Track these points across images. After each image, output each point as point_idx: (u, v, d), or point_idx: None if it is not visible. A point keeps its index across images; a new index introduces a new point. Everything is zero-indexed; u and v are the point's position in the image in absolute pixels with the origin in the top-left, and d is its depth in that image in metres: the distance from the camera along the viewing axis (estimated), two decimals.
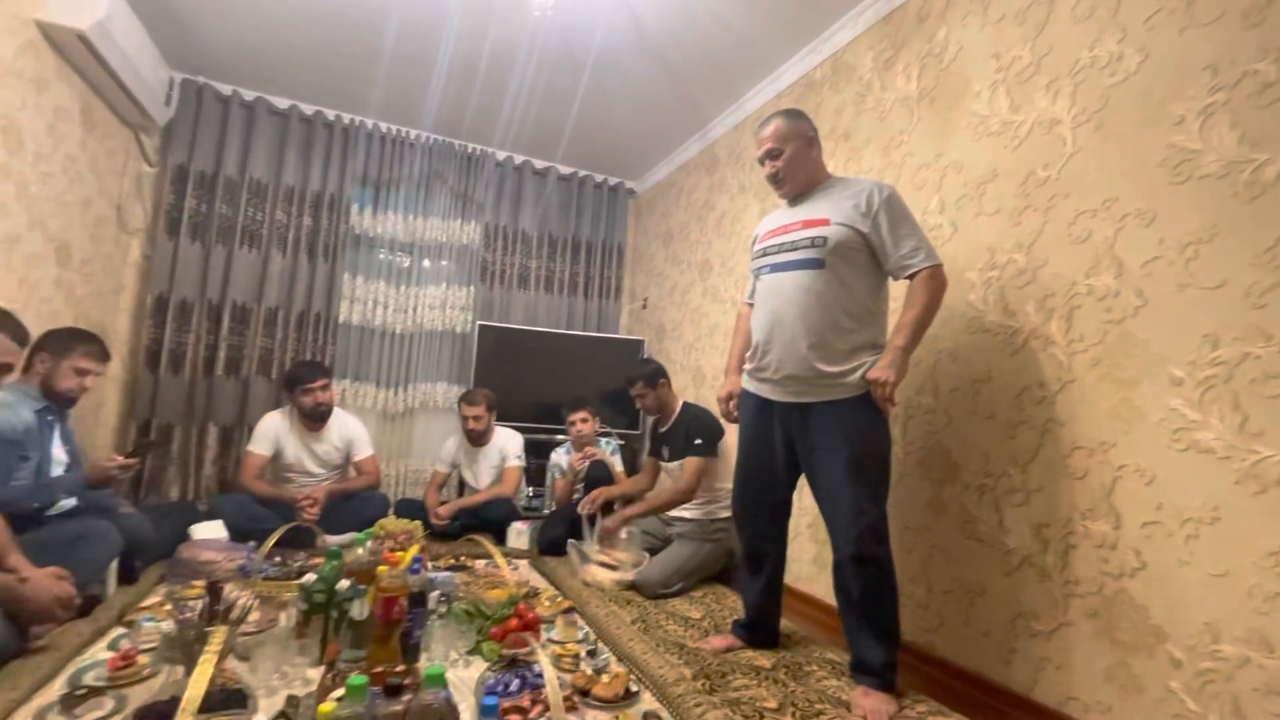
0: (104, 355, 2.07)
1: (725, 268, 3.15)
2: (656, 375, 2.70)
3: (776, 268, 1.73)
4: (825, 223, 1.65)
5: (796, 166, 1.73)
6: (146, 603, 1.87)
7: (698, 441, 2.50)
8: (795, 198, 1.78)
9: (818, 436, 1.66)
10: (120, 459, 2.13)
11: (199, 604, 1.51)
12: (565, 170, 4.02)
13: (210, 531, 2.31)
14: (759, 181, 2.90)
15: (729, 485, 2.28)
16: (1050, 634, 1.53)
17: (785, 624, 1.97)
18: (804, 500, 2.14)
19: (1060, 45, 1.67)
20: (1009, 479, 1.67)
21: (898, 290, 1.78)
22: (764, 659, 1.79)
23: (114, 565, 1.91)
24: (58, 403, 1.97)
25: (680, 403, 2.72)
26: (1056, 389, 1.58)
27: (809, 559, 2.32)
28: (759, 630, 1.87)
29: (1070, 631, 1.49)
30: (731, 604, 2.27)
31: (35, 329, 2.17)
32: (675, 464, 2.63)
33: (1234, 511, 1.23)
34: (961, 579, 1.76)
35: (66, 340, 1.98)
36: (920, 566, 1.88)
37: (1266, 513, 1.18)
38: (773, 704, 1.52)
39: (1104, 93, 1.55)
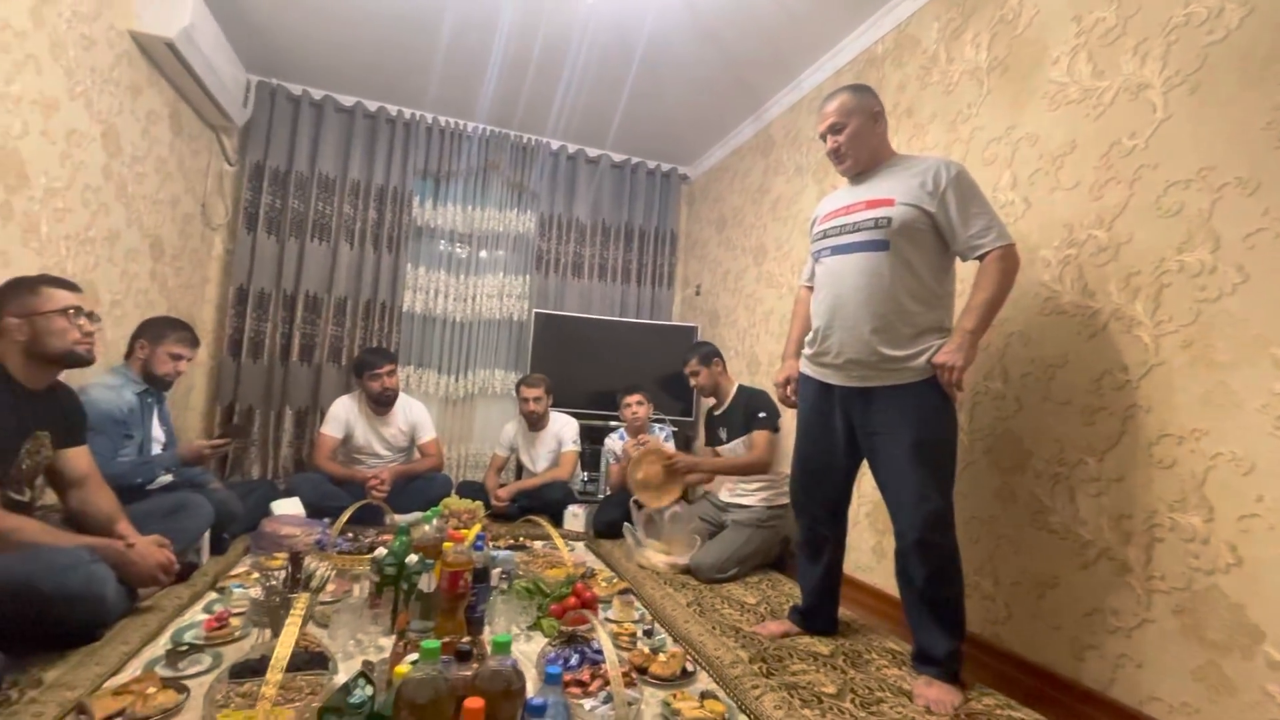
0: (195, 342, 2.23)
1: (780, 252, 3.09)
2: (710, 355, 2.72)
3: (838, 250, 1.68)
4: (890, 203, 1.60)
5: (859, 143, 1.67)
6: (235, 571, 2.01)
7: (762, 415, 2.49)
8: (857, 176, 1.72)
9: (880, 421, 1.61)
10: (207, 441, 2.30)
11: (282, 573, 1.62)
12: (618, 157, 4.03)
13: (289, 508, 2.46)
14: (816, 163, 2.82)
15: (786, 471, 2.26)
16: (1131, 630, 1.45)
17: (844, 613, 1.94)
18: (864, 488, 2.10)
19: (1150, 3, 1.55)
20: (1085, 468, 1.58)
21: (965, 271, 1.71)
22: (822, 645, 1.78)
23: (207, 535, 2.07)
24: (156, 386, 2.14)
25: (735, 385, 2.72)
26: (1141, 373, 1.49)
27: (868, 548, 2.28)
28: (816, 617, 1.85)
29: (1153, 628, 1.41)
30: (787, 590, 2.25)
31: (134, 319, 2.37)
32: (732, 444, 2.62)
33: None
34: (1031, 571, 1.69)
35: (162, 328, 2.14)
36: (986, 557, 1.82)
37: None
38: (831, 689, 1.51)
39: (1200, 52, 1.43)
